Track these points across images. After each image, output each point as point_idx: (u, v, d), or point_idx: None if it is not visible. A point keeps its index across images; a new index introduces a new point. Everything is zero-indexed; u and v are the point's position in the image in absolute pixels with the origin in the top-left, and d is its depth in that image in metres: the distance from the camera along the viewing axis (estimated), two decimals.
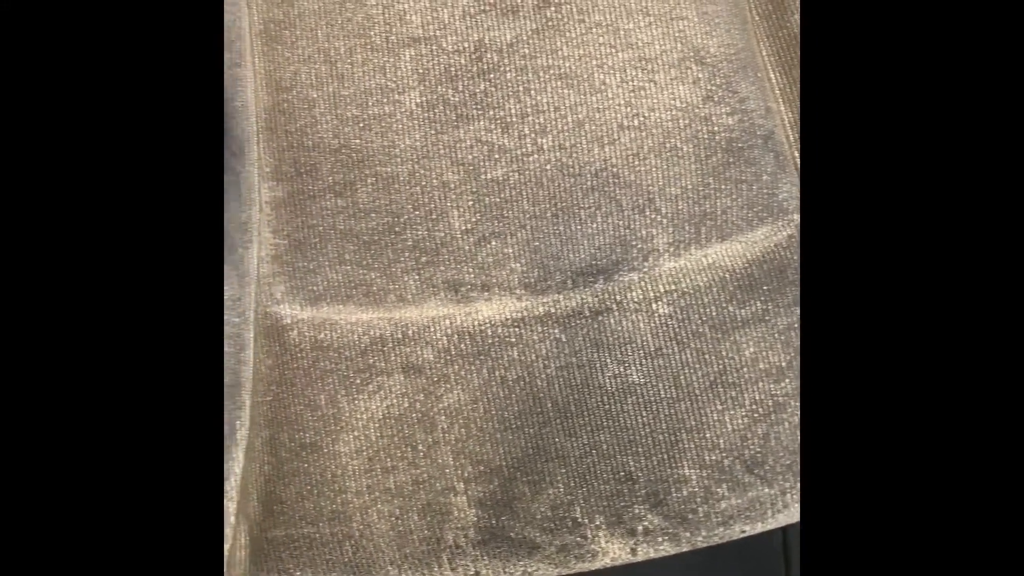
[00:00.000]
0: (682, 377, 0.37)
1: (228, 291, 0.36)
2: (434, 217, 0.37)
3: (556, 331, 0.37)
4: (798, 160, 0.40)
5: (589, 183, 0.37)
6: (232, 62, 0.37)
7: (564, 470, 0.36)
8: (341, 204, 0.37)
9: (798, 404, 0.38)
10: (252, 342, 0.37)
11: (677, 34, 0.38)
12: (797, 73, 0.40)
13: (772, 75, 0.40)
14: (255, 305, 0.37)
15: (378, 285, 0.37)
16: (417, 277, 0.37)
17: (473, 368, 0.36)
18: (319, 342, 0.37)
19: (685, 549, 0.36)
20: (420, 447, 0.36)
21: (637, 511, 0.36)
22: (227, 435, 0.36)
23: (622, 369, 0.36)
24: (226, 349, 0.36)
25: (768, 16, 0.40)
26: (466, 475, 0.36)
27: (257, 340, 0.37)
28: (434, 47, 0.37)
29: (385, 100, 0.37)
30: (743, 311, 0.37)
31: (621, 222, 0.37)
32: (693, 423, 0.36)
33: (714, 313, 0.37)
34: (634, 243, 0.37)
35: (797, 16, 0.39)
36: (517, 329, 0.37)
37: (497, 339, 0.36)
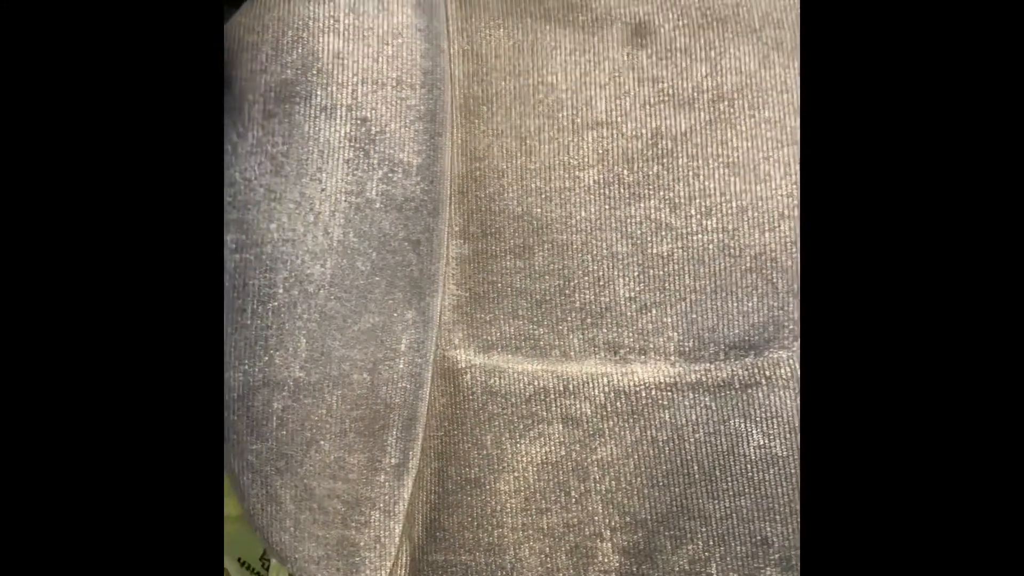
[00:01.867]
0: None
1: (414, 334, 0.40)
2: (602, 283, 0.40)
3: (706, 399, 0.39)
4: None
5: (748, 264, 0.40)
6: (435, 132, 0.42)
7: (704, 529, 0.39)
8: (519, 265, 0.41)
9: None
10: (429, 381, 0.41)
11: None
12: None
13: None
14: (435, 348, 0.41)
15: (545, 340, 0.41)
16: (581, 336, 0.40)
17: (627, 425, 0.39)
18: (489, 387, 0.41)
19: None
20: (573, 493, 0.39)
21: (769, 573, 0.38)
22: (399, 463, 0.40)
23: (767, 440, 0.39)
24: (405, 386, 0.40)
25: None
26: (613, 524, 0.39)
27: (434, 380, 0.41)
28: (615, 131, 0.41)
29: (567, 175, 0.41)
30: None
31: (775, 303, 0.40)
32: None
33: None
34: (786, 324, 0.40)
35: None
36: (670, 393, 0.40)
37: (651, 400, 0.40)
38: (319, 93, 0.39)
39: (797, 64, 0.41)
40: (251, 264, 0.38)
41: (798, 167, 0.40)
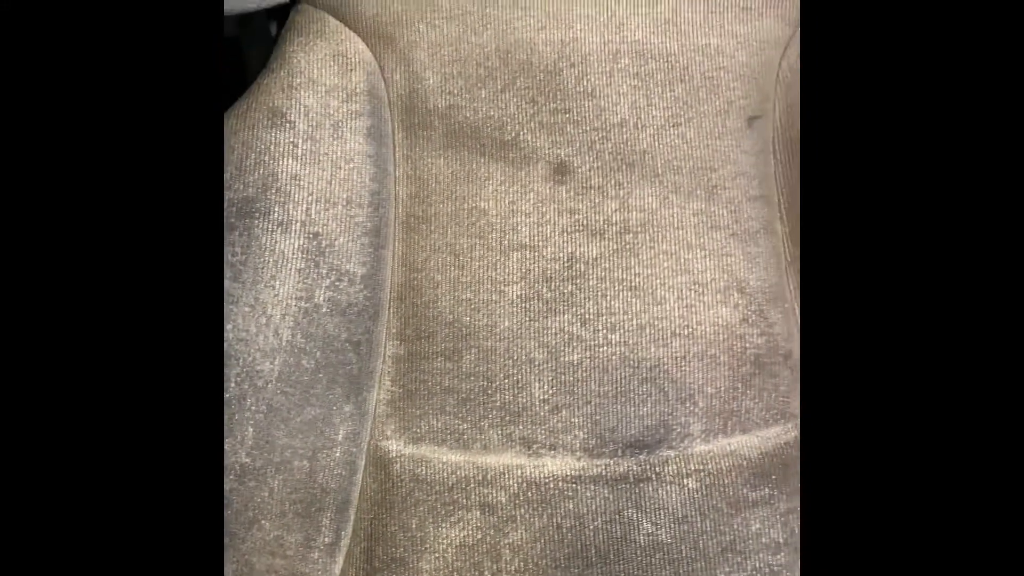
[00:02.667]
0: (701, 542, 0.45)
1: (350, 426, 0.45)
2: (520, 386, 0.46)
3: (605, 491, 0.46)
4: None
5: (644, 375, 0.47)
6: (379, 245, 0.47)
7: None
8: (448, 366, 0.47)
9: (792, 574, 0.47)
10: (363, 468, 0.46)
11: (725, 267, 0.48)
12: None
13: (796, 306, 0.51)
14: (369, 438, 0.46)
15: (468, 435, 0.46)
16: (500, 432, 0.46)
17: (536, 513, 0.45)
18: (416, 475, 0.46)
19: None
20: (487, 573, 0.45)
21: None
22: (332, 542, 0.45)
23: (654, 529, 0.45)
24: (341, 472, 0.45)
25: (797, 260, 0.51)
26: None
27: (367, 467, 0.46)
28: (536, 254, 0.48)
29: (493, 289, 0.47)
30: (754, 493, 0.46)
31: (666, 409, 0.46)
32: None
33: (731, 492, 0.46)
34: (675, 427, 0.46)
35: None
36: (574, 485, 0.46)
37: (558, 491, 0.45)
38: (276, 210, 0.44)
39: (695, 204, 0.49)
40: None
41: (690, 291, 0.48)
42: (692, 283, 0.48)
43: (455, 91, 0.49)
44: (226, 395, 0.43)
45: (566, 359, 0.47)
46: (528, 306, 0.47)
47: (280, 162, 0.45)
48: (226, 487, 0.42)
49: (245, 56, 0.56)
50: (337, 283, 0.45)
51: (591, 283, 0.47)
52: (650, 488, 0.46)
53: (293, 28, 0.49)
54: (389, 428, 0.47)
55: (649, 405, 0.46)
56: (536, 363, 0.47)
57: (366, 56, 0.49)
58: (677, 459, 0.46)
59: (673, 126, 0.49)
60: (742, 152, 0.50)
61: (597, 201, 0.48)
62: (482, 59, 0.49)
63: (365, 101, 0.48)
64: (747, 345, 0.48)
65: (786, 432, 0.48)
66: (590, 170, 0.49)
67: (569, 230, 0.48)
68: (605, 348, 0.47)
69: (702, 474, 0.46)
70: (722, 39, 0.50)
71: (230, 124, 0.45)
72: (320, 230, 0.45)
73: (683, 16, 0.50)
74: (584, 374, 0.47)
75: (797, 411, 0.48)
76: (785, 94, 0.52)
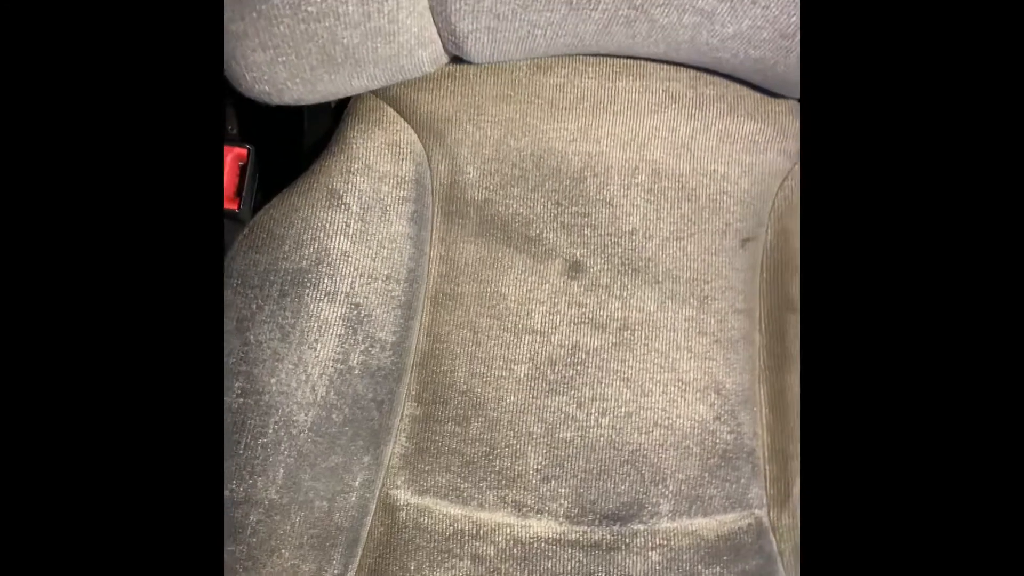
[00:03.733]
0: None
1: (367, 475, 0.52)
2: (518, 455, 0.53)
3: (580, 555, 0.52)
4: (768, 471, 0.57)
5: (626, 457, 0.54)
6: (409, 316, 0.54)
7: None
8: (458, 431, 0.53)
9: None
10: (373, 512, 0.52)
11: (707, 369, 0.55)
12: (782, 412, 0.57)
13: (764, 410, 0.58)
14: (382, 486, 0.53)
15: (468, 493, 0.53)
16: (496, 494, 0.53)
17: (518, 568, 0.52)
18: (419, 523, 0.52)
19: None
20: None
21: None
22: (340, 574, 0.51)
23: None
24: (354, 514, 0.51)
25: (771, 368, 0.58)
26: None
27: (376, 512, 0.52)
28: (545, 339, 0.54)
29: (504, 367, 0.54)
30: (707, 570, 0.53)
31: (641, 489, 0.53)
32: None
33: (688, 567, 0.53)
34: (647, 505, 0.53)
35: (790, 376, 0.57)
36: (554, 547, 0.52)
37: (539, 551, 0.52)
38: (326, 282, 0.50)
39: (688, 311, 0.56)
40: (251, 408, 0.49)
41: (674, 387, 0.55)
42: (677, 380, 0.55)
43: (491, 186, 0.55)
44: (263, 440, 0.49)
45: (560, 436, 0.53)
46: (533, 385, 0.54)
47: (333, 239, 0.51)
48: (253, 519, 0.48)
49: (304, 113, 0.62)
50: (370, 349, 0.52)
51: (590, 370, 0.54)
52: (619, 556, 0.53)
53: (355, 114, 0.55)
54: (400, 479, 0.53)
55: (627, 484, 0.53)
56: (534, 436, 0.53)
57: (417, 147, 0.55)
58: (645, 533, 0.53)
59: (676, 239, 0.56)
60: (733, 269, 0.57)
61: (603, 299, 0.55)
62: (518, 161, 0.55)
63: (412, 188, 0.54)
64: (717, 440, 0.55)
65: (741, 519, 0.55)
66: (600, 270, 0.55)
67: (576, 321, 0.55)
68: (595, 430, 0.54)
69: (665, 548, 0.53)
70: (729, 167, 0.57)
71: (291, 200, 0.51)
72: (361, 301, 0.51)
73: (697, 143, 0.57)
74: (574, 451, 0.53)
75: (753, 501, 0.55)
76: (777, 221, 0.59)
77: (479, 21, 0.42)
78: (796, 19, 0.42)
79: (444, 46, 0.47)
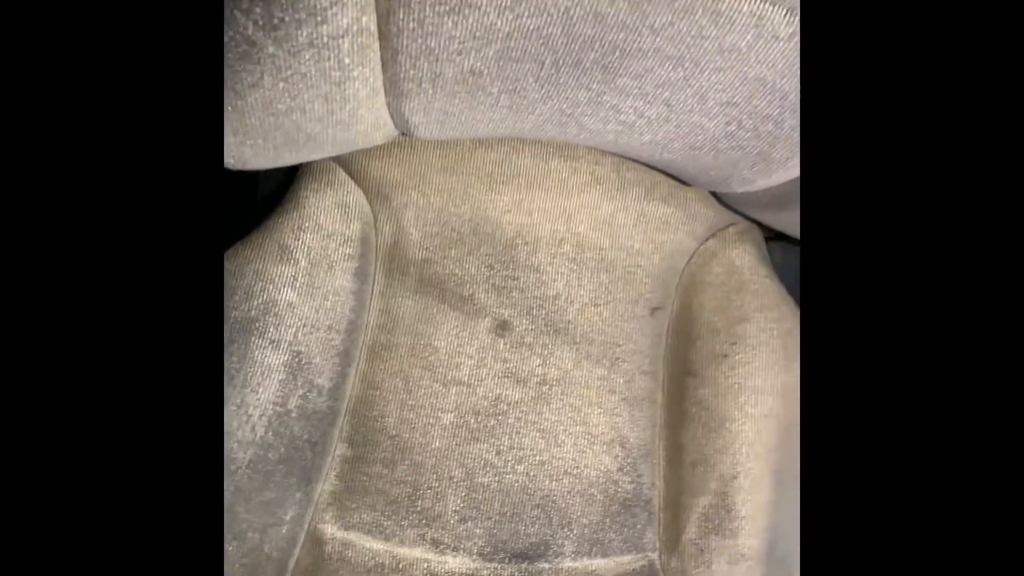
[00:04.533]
0: None
1: (298, 510, 0.56)
2: (438, 497, 0.58)
3: None
4: (662, 519, 0.64)
5: (537, 502, 0.59)
6: (346, 364, 0.58)
7: None
8: (384, 472, 0.58)
9: None
10: (300, 545, 0.56)
11: (614, 424, 0.62)
12: (677, 466, 0.64)
13: (662, 464, 0.65)
14: (310, 520, 0.57)
15: (390, 530, 0.57)
16: (416, 532, 0.58)
17: None
18: (343, 556, 0.56)
19: None
20: None
21: None
22: None
23: None
24: (283, 546, 0.55)
25: (670, 426, 0.65)
26: None
27: (304, 544, 0.56)
28: (471, 391, 0.60)
29: (431, 415, 0.59)
30: None
31: (549, 531, 0.59)
32: None
33: None
34: (553, 546, 0.59)
35: (686, 433, 0.64)
36: None
37: None
38: (271, 331, 0.54)
39: (600, 370, 0.62)
40: None
41: (584, 439, 0.61)
42: (587, 433, 0.61)
43: (431, 248, 0.61)
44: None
45: (479, 480, 0.59)
46: (457, 432, 0.59)
47: (281, 291, 0.55)
48: None
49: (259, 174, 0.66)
50: (308, 393, 0.56)
51: (510, 421, 0.60)
52: None
53: (309, 174, 0.59)
54: (328, 514, 0.57)
55: (537, 526, 0.59)
56: (455, 480, 0.58)
57: (365, 208, 0.60)
58: (550, 571, 0.59)
59: (595, 305, 0.63)
60: (642, 335, 0.64)
61: (526, 356, 0.61)
62: (457, 226, 0.61)
63: (358, 246, 0.59)
64: (619, 489, 0.61)
65: (636, 561, 0.61)
66: (525, 330, 0.61)
67: (500, 375, 0.60)
68: (511, 476, 0.59)
69: None
70: (644, 244, 0.64)
71: (245, 253, 0.55)
72: (303, 349, 0.55)
73: (617, 220, 0.63)
74: (491, 495, 0.59)
75: (647, 545, 0.62)
76: (683, 294, 0.66)
77: (430, 116, 0.47)
78: (703, 136, 0.49)
79: (396, 127, 0.52)
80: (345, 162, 0.60)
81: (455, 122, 0.50)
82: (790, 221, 0.59)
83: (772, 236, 0.70)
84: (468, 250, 0.61)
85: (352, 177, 0.60)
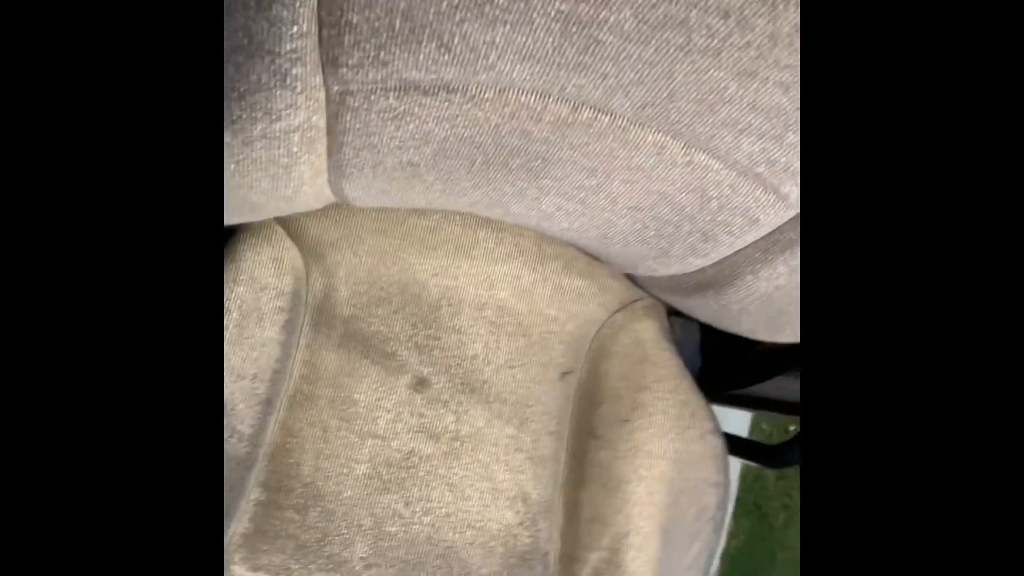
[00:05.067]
0: None
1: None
2: (346, 544, 0.61)
3: None
4: (557, 572, 0.68)
5: (440, 552, 0.63)
6: (268, 412, 0.61)
7: None
8: (296, 518, 0.60)
9: None
10: None
11: (518, 481, 0.66)
12: (575, 523, 0.69)
13: (561, 520, 0.69)
14: (225, 562, 0.59)
15: (298, 574, 0.60)
16: (323, 574, 0.60)
17: None
18: None
19: None
20: None
21: None
22: None
23: None
24: None
25: (570, 484, 0.70)
26: None
27: None
28: (386, 443, 0.63)
29: (345, 465, 0.62)
30: None
31: None
32: None
33: None
34: None
35: (585, 492, 0.69)
36: None
37: None
38: None
39: (510, 429, 0.66)
40: None
41: (489, 494, 0.65)
42: (492, 489, 0.65)
43: (359, 305, 0.64)
44: None
45: (387, 529, 0.62)
46: (369, 483, 0.62)
47: None
48: None
49: None
50: (229, 439, 0.58)
51: (420, 474, 0.63)
52: None
53: (247, 228, 0.62)
54: (238, 555, 0.59)
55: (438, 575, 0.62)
56: (364, 528, 0.61)
57: (298, 263, 0.63)
58: None
59: (509, 367, 0.67)
60: (552, 397, 0.69)
61: (441, 413, 0.65)
62: (386, 286, 0.64)
63: (289, 300, 0.62)
64: (518, 543, 0.65)
65: None
66: (443, 387, 0.65)
67: (415, 430, 0.64)
68: (417, 526, 0.63)
69: None
70: (559, 312, 0.69)
71: None
72: (227, 397, 0.58)
73: (536, 290, 0.68)
74: (397, 544, 0.62)
75: None
76: (591, 360, 0.72)
77: (368, 193, 0.51)
78: (613, 230, 0.55)
79: (335, 197, 0.56)
80: (283, 219, 0.63)
81: (391, 198, 0.54)
82: (686, 305, 0.66)
83: (673, 312, 0.76)
84: (394, 309, 0.65)
85: (289, 233, 0.63)
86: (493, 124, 0.43)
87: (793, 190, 0.45)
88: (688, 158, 0.45)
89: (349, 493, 0.62)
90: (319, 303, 0.64)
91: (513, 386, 0.67)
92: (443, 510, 0.63)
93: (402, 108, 0.43)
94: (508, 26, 0.37)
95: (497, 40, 0.38)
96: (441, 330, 0.66)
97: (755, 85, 0.38)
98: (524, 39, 0.38)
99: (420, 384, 0.65)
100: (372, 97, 0.42)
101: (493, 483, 0.65)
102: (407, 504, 0.63)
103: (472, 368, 0.66)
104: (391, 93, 0.41)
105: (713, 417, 0.70)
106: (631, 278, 0.71)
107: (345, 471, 0.62)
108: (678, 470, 0.67)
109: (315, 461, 0.62)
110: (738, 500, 1.81)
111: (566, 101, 0.43)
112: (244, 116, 0.39)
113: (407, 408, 0.64)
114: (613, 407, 0.69)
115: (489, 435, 0.66)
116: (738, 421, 1.64)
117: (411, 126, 0.43)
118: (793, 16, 0.34)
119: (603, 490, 0.66)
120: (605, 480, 0.66)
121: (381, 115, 0.42)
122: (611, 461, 0.67)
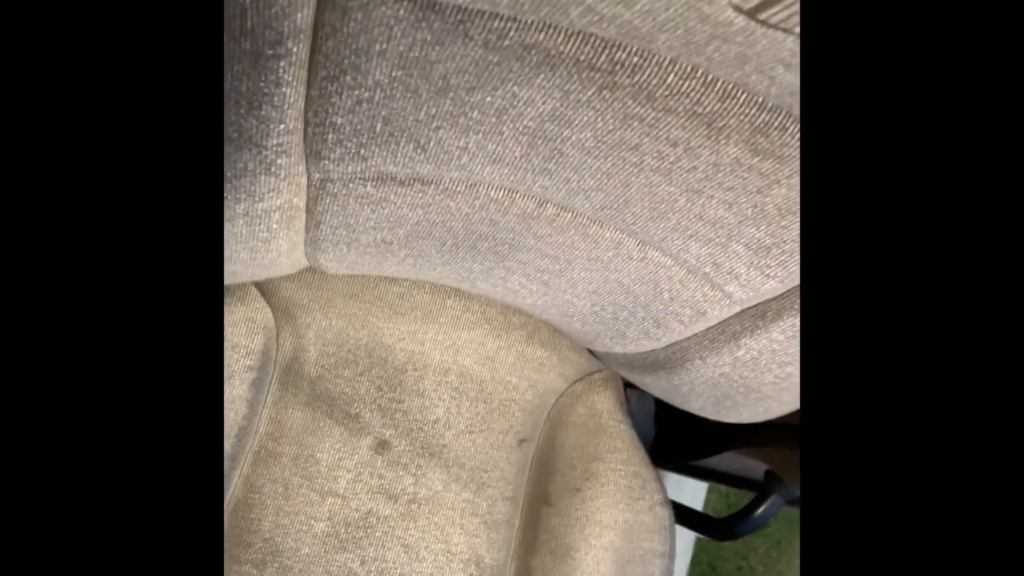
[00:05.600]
0: None
1: None
2: None
3: None
4: None
5: None
6: (232, 468, 0.62)
7: None
8: (254, 572, 0.62)
9: None
10: None
11: (472, 545, 0.68)
12: None
13: None
14: None
15: None
16: None
17: None
18: None
19: None
20: None
21: None
22: None
23: None
24: None
25: (523, 548, 0.72)
26: None
27: None
28: (345, 503, 0.65)
29: (304, 523, 0.64)
30: None
31: None
32: None
33: None
34: None
35: (536, 558, 0.71)
36: None
37: None
38: None
39: (467, 494, 0.68)
40: None
41: (443, 556, 0.66)
42: (446, 551, 0.67)
43: (326, 366, 0.66)
44: None
45: None
46: (327, 541, 0.64)
47: None
48: None
49: None
50: None
51: (377, 534, 0.65)
52: None
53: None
54: None
55: None
56: None
57: (270, 323, 0.65)
58: None
59: (469, 432, 0.70)
60: (509, 463, 0.71)
61: (401, 475, 0.67)
62: (353, 348, 0.67)
63: (258, 358, 0.64)
64: None
65: None
66: (403, 450, 0.67)
67: (374, 491, 0.66)
68: None
69: None
70: (520, 380, 0.72)
71: None
72: None
73: (500, 358, 0.71)
74: None
75: None
76: (549, 429, 0.75)
77: (342, 264, 0.54)
78: (573, 310, 0.58)
79: (310, 264, 0.58)
80: (257, 281, 0.65)
81: (364, 268, 0.57)
82: (641, 380, 0.69)
83: (629, 384, 0.80)
84: (360, 371, 0.67)
85: (262, 294, 0.65)
86: (464, 213, 0.47)
87: (736, 290, 0.49)
88: (643, 254, 0.49)
89: (307, 550, 0.63)
90: (288, 362, 0.66)
91: (472, 451, 0.69)
92: (397, 571, 0.65)
93: (379, 195, 0.46)
94: (480, 135, 0.41)
95: (470, 146, 0.42)
96: (405, 393, 0.68)
97: (701, 200, 0.42)
98: (494, 146, 0.42)
99: (381, 446, 0.67)
100: (351, 185, 0.45)
101: (447, 546, 0.67)
102: (362, 563, 0.64)
103: (433, 432, 0.68)
104: (369, 182, 0.45)
105: (662, 489, 0.73)
106: (590, 351, 0.75)
107: (304, 528, 0.63)
108: (626, 540, 0.70)
109: (275, 517, 0.63)
110: (693, 560, 1.82)
111: (532, 197, 0.47)
112: (228, 197, 0.42)
113: (367, 469, 0.66)
114: (566, 476, 0.71)
115: (446, 498, 0.68)
116: (694, 486, 1.66)
117: (386, 210, 0.46)
118: (734, 150, 0.38)
119: (552, 557, 0.68)
120: (555, 547, 0.69)
121: (359, 200, 0.45)
122: (562, 529, 0.69)
